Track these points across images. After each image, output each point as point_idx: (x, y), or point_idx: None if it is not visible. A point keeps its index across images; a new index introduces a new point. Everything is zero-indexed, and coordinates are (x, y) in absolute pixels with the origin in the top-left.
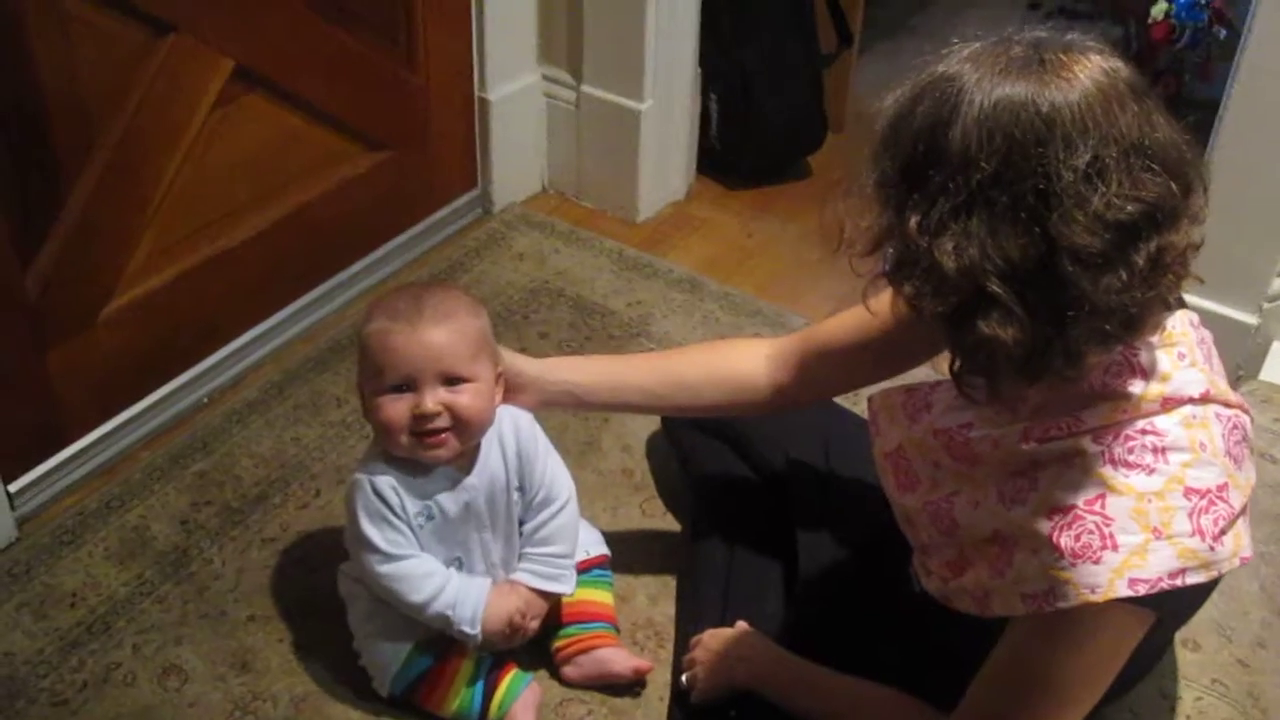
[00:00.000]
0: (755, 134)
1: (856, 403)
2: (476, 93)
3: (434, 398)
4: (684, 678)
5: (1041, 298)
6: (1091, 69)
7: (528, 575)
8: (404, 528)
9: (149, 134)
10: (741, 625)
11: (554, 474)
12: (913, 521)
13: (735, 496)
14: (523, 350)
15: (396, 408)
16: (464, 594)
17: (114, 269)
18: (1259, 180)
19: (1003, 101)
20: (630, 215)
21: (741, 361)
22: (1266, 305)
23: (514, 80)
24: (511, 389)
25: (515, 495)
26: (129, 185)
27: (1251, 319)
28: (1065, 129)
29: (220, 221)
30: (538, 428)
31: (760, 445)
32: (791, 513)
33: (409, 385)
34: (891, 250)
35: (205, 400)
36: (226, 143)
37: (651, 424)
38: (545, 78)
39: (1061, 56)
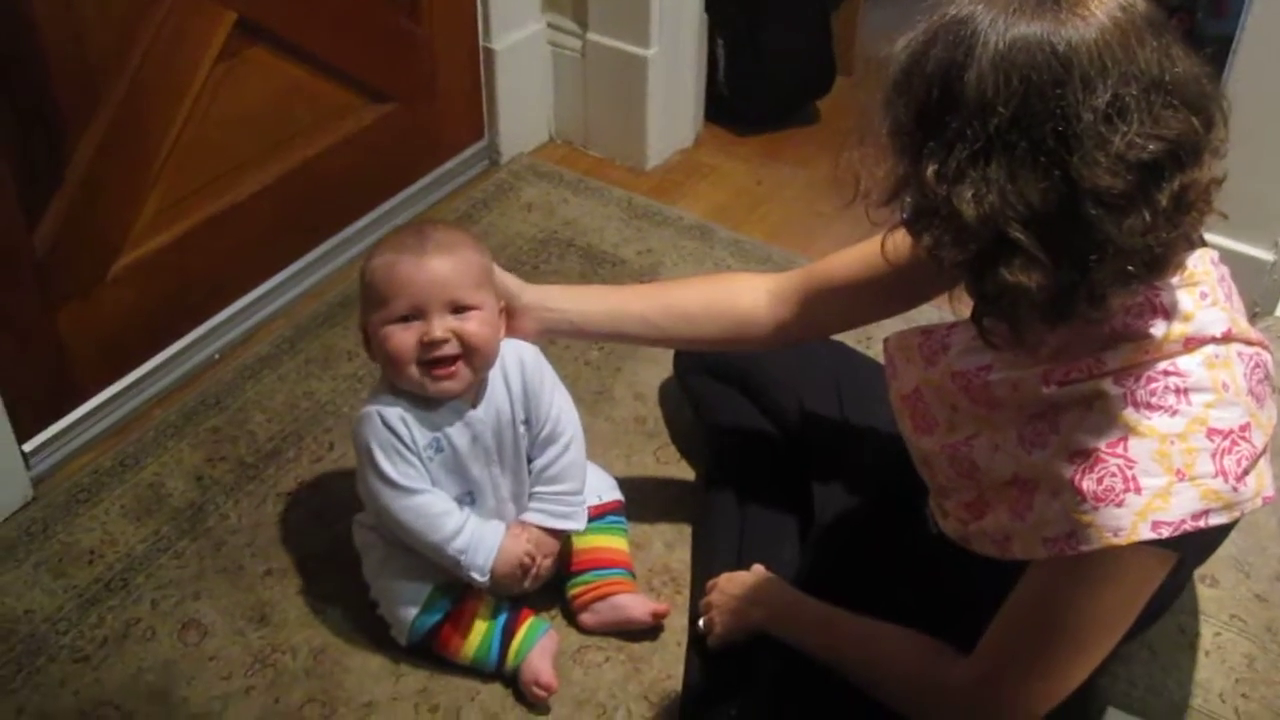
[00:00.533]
0: (763, 79)
1: (869, 346)
2: (481, 42)
3: (442, 324)
4: (700, 622)
5: (1064, 242)
6: (1107, 4)
7: (538, 514)
8: (415, 460)
9: (153, 90)
10: (758, 569)
11: (560, 409)
12: (930, 464)
13: (749, 442)
14: None
15: (404, 337)
16: (478, 539)
17: (121, 226)
18: (1274, 116)
19: (1018, 42)
20: (639, 163)
21: (743, 295)
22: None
23: (519, 29)
24: (509, 314)
25: (521, 429)
26: (134, 142)
27: (1268, 255)
28: (1083, 68)
29: (227, 177)
30: (544, 361)
31: (774, 390)
32: (806, 456)
33: (416, 314)
34: (909, 199)
35: (216, 357)
36: (231, 97)
37: (664, 371)
38: (550, 26)
39: None
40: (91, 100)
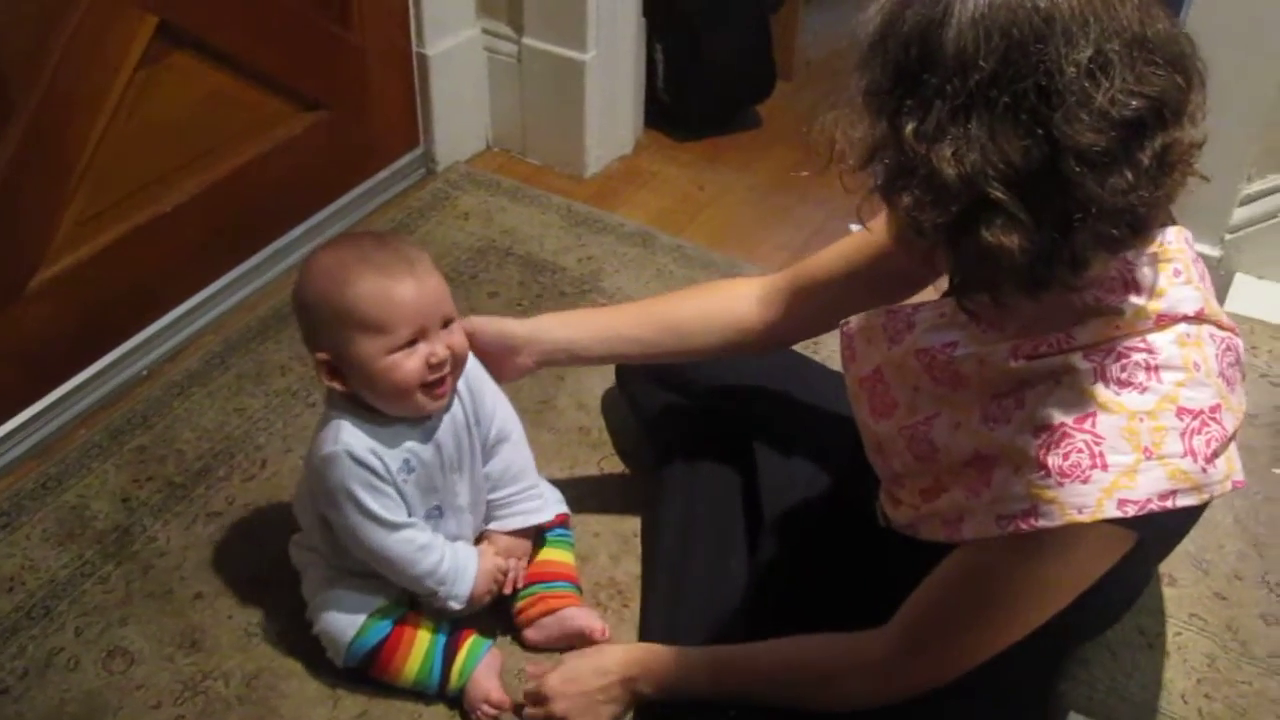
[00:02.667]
0: (703, 83)
1: (816, 350)
2: (415, 48)
3: (441, 343)
4: None
5: (1046, 202)
6: None
7: (513, 518)
8: (392, 490)
9: (70, 97)
10: (586, 652)
11: (503, 406)
12: (885, 449)
13: (695, 449)
14: (472, 310)
15: (411, 364)
16: (458, 568)
17: (40, 239)
18: (1218, 111)
19: (997, 1)
20: (578, 170)
21: (733, 302)
22: (1228, 236)
23: (453, 34)
24: (506, 352)
25: (475, 431)
26: (51, 151)
27: (1214, 251)
28: (1065, 23)
29: (151, 187)
30: (476, 361)
31: (719, 396)
32: (752, 459)
33: (419, 336)
34: (886, 162)
35: (144, 373)
36: (154, 104)
37: (607, 381)
38: (486, 31)
39: None
40: (4, 109)
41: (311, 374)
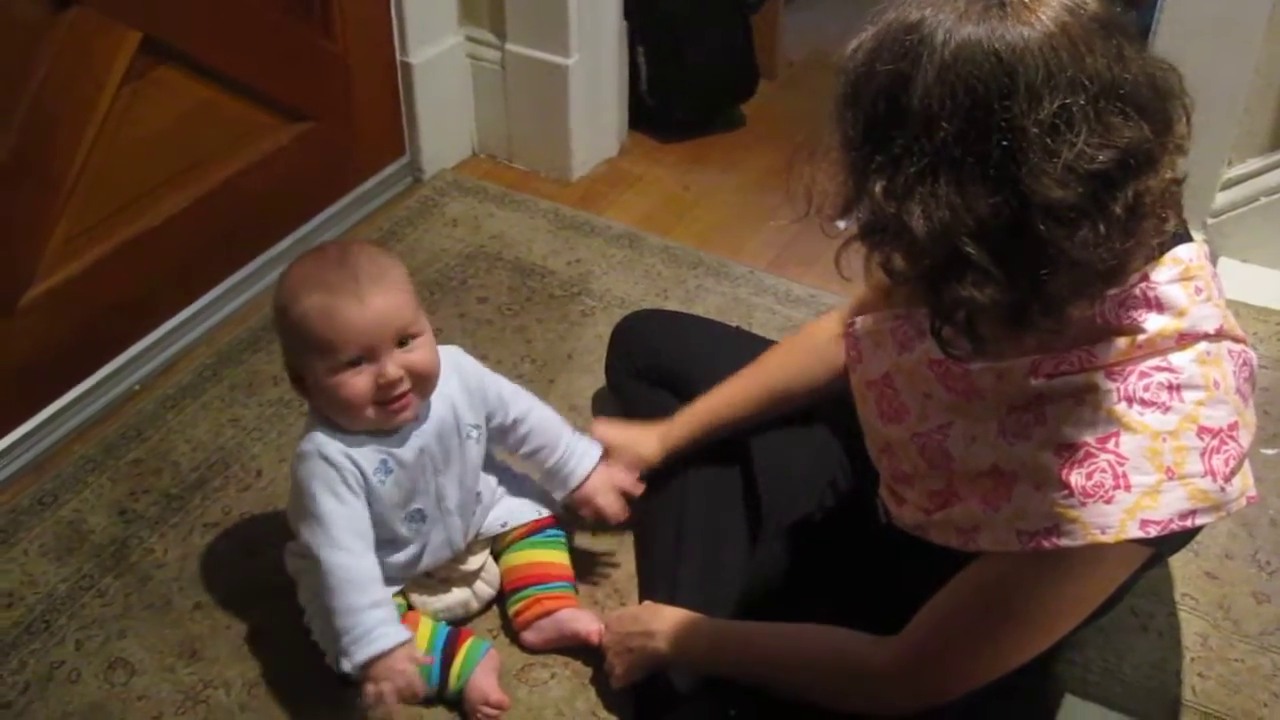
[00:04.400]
0: (686, 85)
1: None
2: (398, 57)
3: (393, 363)
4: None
5: (1017, 255)
6: (1054, 7)
7: (581, 461)
8: (357, 502)
9: (56, 113)
10: (646, 604)
11: (511, 389)
12: (894, 451)
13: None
14: (461, 316)
15: (359, 383)
16: (368, 633)
17: (30, 255)
18: (1196, 97)
19: (963, 50)
20: (564, 174)
21: (821, 348)
22: (1210, 221)
23: (436, 42)
24: (637, 461)
25: (474, 433)
26: (39, 168)
27: (1196, 235)
28: (1029, 78)
29: (139, 201)
30: (470, 358)
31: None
32: (747, 454)
33: (366, 356)
34: (860, 216)
35: (137, 387)
36: (139, 119)
37: (597, 381)
38: (469, 38)
39: None
40: None
41: None
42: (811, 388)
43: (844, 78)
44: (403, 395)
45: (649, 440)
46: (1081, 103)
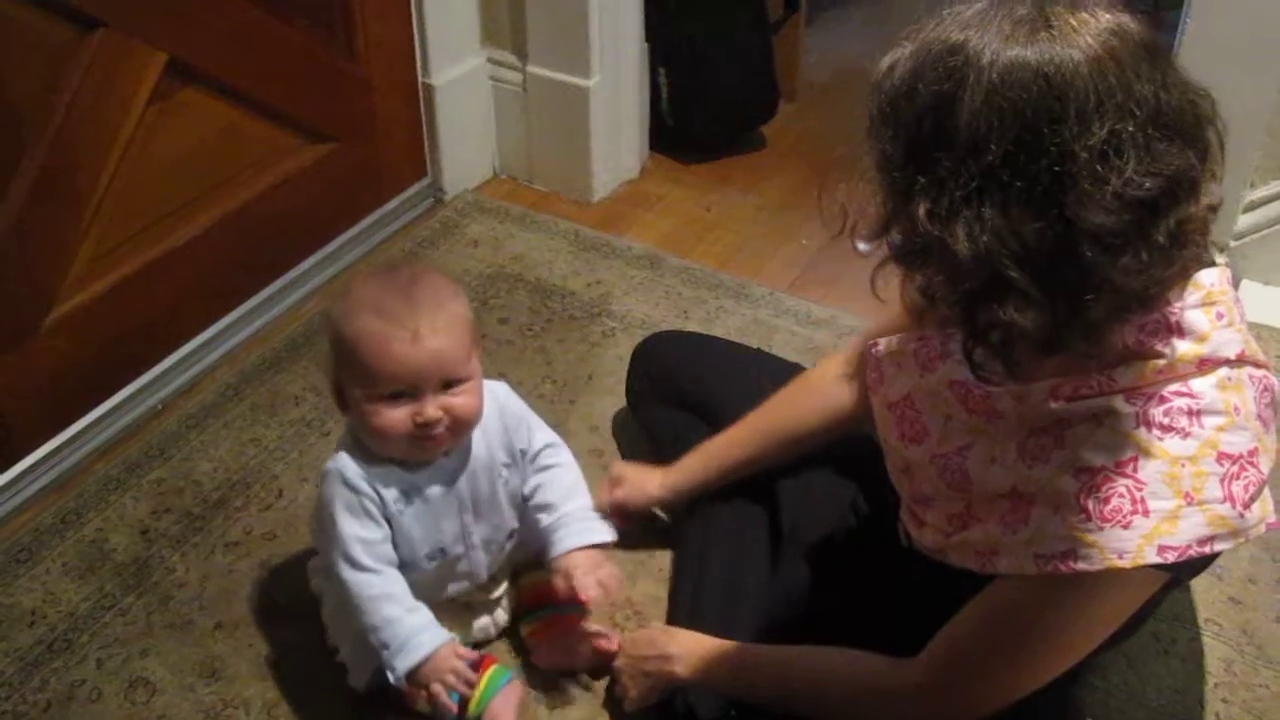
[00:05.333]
0: (707, 106)
1: None
2: (420, 79)
3: (435, 404)
4: (616, 690)
5: (1060, 280)
6: (1101, 30)
7: (574, 535)
8: (377, 526)
9: (82, 134)
10: (659, 627)
11: (547, 434)
12: (914, 473)
13: None
14: (483, 336)
15: (395, 416)
16: (407, 641)
17: (55, 276)
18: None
19: (1010, 74)
20: (585, 196)
21: (825, 390)
22: (1233, 244)
23: (458, 64)
24: (641, 497)
25: (504, 472)
26: (65, 188)
27: (1218, 258)
28: (1079, 103)
29: (163, 222)
30: (516, 397)
31: (732, 414)
32: (769, 477)
33: (409, 392)
34: (899, 236)
35: (159, 407)
36: (164, 140)
37: (618, 403)
38: (490, 60)
39: (1069, 20)
40: (17, 147)
41: (325, 404)
42: (815, 431)
43: (881, 96)
44: (436, 436)
45: (652, 480)
46: (1130, 129)
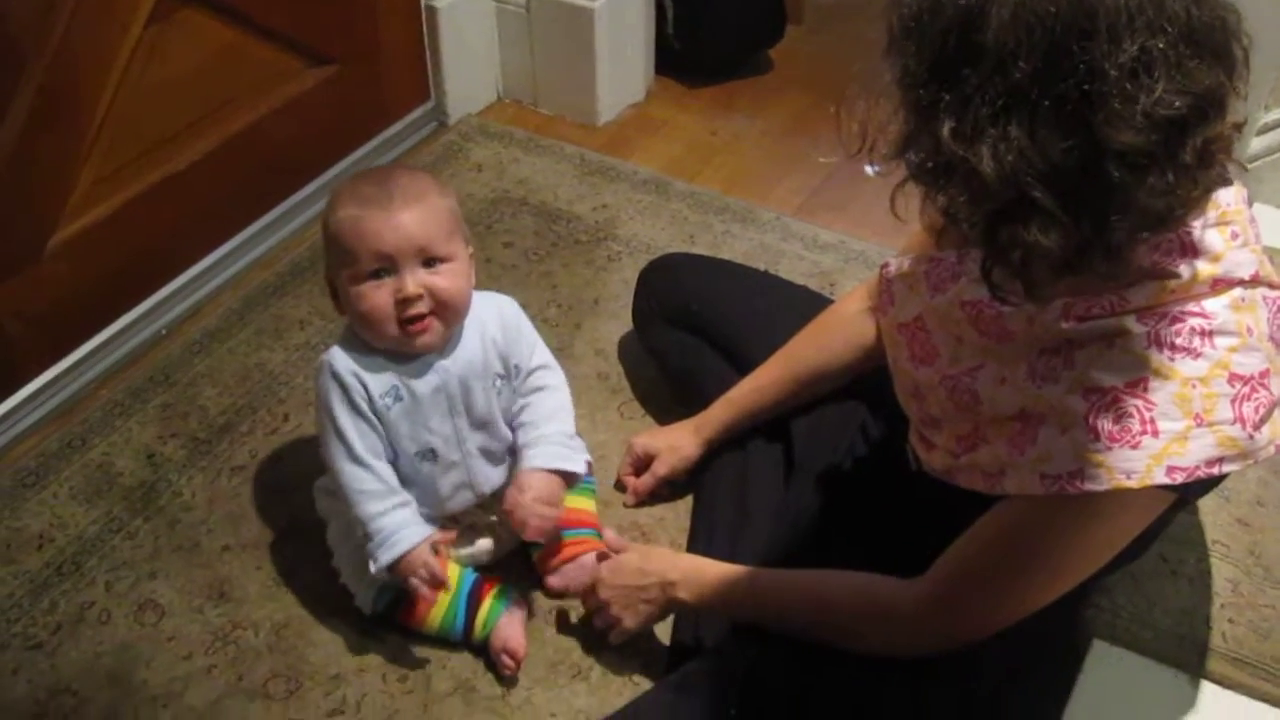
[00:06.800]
0: (713, 29)
1: (834, 293)
2: (423, 1)
3: (414, 279)
4: (595, 621)
5: (1085, 201)
6: None
7: (539, 456)
8: (368, 412)
9: (80, 58)
10: (642, 549)
11: (544, 355)
12: (923, 394)
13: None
14: (487, 261)
15: (379, 295)
16: (390, 535)
17: (56, 200)
18: None
19: None
20: (590, 119)
21: (848, 326)
22: (1248, 166)
23: None
24: (682, 463)
25: (498, 383)
26: (64, 111)
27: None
28: (1110, 19)
29: (165, 145)
30: (522, 312)
31: (740, 338)
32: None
33: (388, 269)
34: (922, 154)
35: (164, 332)
36: (164, 61)
37: (623, 327)
38: None
39: None
40: (15, 72)
41: (330, 328)
42: (841, 369)
43: (905, 10)
44: (423, 316)
45: (686, 439)
46: (1161, 46)
